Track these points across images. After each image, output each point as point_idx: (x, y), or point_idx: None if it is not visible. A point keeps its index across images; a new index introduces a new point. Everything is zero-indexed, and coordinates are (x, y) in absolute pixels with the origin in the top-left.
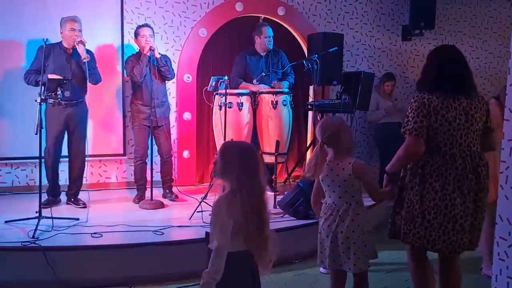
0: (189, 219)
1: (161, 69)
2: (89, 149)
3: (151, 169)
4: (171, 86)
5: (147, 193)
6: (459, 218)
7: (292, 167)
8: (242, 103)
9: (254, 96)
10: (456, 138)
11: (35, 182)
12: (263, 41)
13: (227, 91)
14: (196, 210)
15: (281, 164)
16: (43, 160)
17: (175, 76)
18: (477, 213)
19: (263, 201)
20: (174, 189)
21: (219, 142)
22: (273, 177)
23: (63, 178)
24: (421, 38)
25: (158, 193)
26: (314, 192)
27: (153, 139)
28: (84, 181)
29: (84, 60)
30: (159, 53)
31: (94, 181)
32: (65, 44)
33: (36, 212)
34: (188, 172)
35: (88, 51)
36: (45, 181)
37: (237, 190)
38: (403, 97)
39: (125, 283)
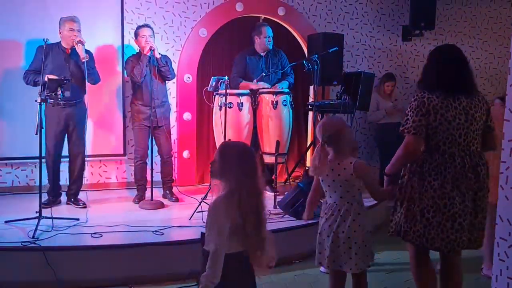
0: (189, 219)
1: (161, 69)
2: (90, 149)
3: (151, 170)
4: (171, 86)
5: (147, 193)
6: (458, 217)
7: (292, 167)
8: (242, 103)
9: (254, 96)
10: (455, 137)
11: (35, 182)
12: (263, 41)
13: (227, 91)
14: (196, 210)
15: (281, 165)
16: (43, 160)
17: (175, 76)
18: (476, 212)
19: (261, 201)
20: (175, 189)
21: (219, 142)
22: (273, 177)
23: (63, 178)
24: (421, 38)
25: (158, 193)
26: (312, 192)
27: (153, 139)
28: (84, 181)
29: (83, 60)
30: (159, 53)
31: (94, 181)
32: (64, 44)
33: (36, 212)
34: (188, 172)
35: (87, 51)
36: (45, 181)
37: (235, 191)
38: (403, 97)
39: (125, 283)
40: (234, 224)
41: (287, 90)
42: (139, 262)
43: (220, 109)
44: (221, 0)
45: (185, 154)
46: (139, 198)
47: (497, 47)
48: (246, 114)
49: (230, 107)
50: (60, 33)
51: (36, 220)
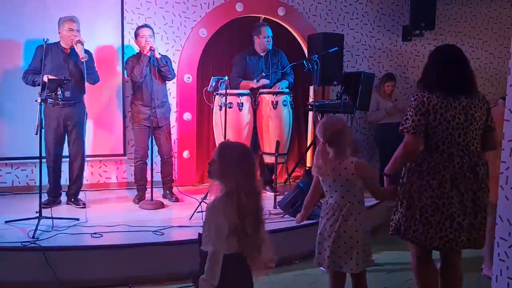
0: (189, 219)
1: (161, 69)
2: (90, 149)
3: (151, 170)
4: (171, 86)
5: (147, 193)
6: (456, 216)
7: (292, 167)
8: (242, 103)
9: (254, 96)
10: (454, 137)
11: (35, 182)
12: (262, 41)
13: (227, 91)
14: (196, 210)
15: (281, 165)
16: (43, 160)
17: (176, 76)
18: (476, 212)
19: (259, 202)
20: (175, 189)
21: (219, 142)
22: (273, 177)
23: (63, 178)
24: (421, 38)
25: (158, 193)
26: (310, 193)
27: (154, 139)
28: (84, 181)
29: (82, 60)
30: (159, 54)
31: (94, 181)
32: (63, 44)
33: (36, 212)
34: (188, 172)
35: (86, 51)
36: (45, 181)
37: (234, 191)
38: (403, 97)
39: (125, 283)
40: (232, 224)
41: (287, 90)
42: (139, 262)
43: (220, 109)
44: (221, 0)
45: (185, 154)
46: (139, 198)
47: (497, 47)
48: (246, 114)
49: (230, 107)
50: (59, 33)
51: (36, 220)
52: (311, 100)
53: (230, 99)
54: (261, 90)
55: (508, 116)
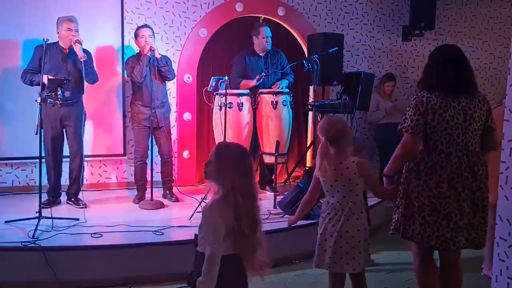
0: (189, 219)
1: (161, 69)
2: (90, 149)
3: (151, 170)
4: (171, 86)
5: (147, 193)
6: (454, 216)
7: (292, 167)
8: (242, 103)
9: (254, 96)
10: (453, 137)
11: (35, 182)
12: (261, 42)
13: (227, 91)
14: (196, 210)
15: (281, 165)
16: (43, 160)
17: (175, 76)
18: (474, 212)
19: (256, 203)
20: (175, 189)
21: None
22: (273, 177)
23: (63, 178)
24: (421, 38)
25: (158, 193)
26: (309, 194)
27: (154, 139)
28: (84, 181)
29: (81, 60)
30: (159, 54)
31: (94, 181)
32: (61, 44)
33: (36, 212)
34: (188, 172)
35: (85, 51)
36: (45, 181)
37: (231, 193)
38: (403, 97)
39: (125, 283)
40: (229, 225)
41: (287, 90)
42: (139, 262)
43: (220, 109)
44: (221, 0)
45: (185, 154)
46: (139, 198)
47: (497, 47)
48: (246, 114)
49: (230, 107)
50: (58, 33)
51: (36, 220)
52: (311, 100)
53: (230, 99)
54: (261, 90)
55: (508, 116)
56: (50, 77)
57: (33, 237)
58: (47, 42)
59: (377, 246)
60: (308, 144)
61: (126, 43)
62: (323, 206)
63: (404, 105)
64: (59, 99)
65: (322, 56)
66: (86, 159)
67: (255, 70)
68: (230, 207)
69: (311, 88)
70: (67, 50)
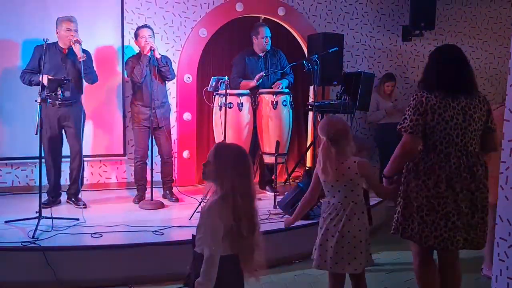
0: (189, 219)
1: (161, 69)
2: (89, 149)
3: (151, 170)
4: (171, 87)
5: (147, 194)
6: (451, 216)
7: (292, 167)
8: (242, 103)
9: (254, 96)
10: (452, 137)
11: (35, 182)
12: (261, 42)
13: (227, 91)
14: (196, 211)
15: (281, 165)
16: (43, 160)
17: (176, 76)
18: (473, 212)
19: (254, 204)
20: (175, 189)
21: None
22: (273, 177)
23: (63, 178)
24: (421, 38)
25: (158, 193)
26: (308, 194)
27: (154, 139)
28: (84, 181)
29: (80, 59)
30: (159, 54)
31: (94, 181)
32: (61, 44)
33: (36, 212)
34: (188, 172)
35: (84, 51)
36: (45, 181)
37: (230, 194)
38: (403, 97)
39: (125, 283)
40: (228, 226)
41: (287, 90)
42: (139, 262)
43: (220, 109)
44: (221, 0)
45: (185, 154)
46: (139, 198)
47: (497, 47)
48: (246, 114)
49: (230, 107)
50: (57, 33)
51: (36, 220)
52: (311, 100)
53: (230, 99)
54: (261, 90)
55: (508, 116)
56: (50, 77)
57: (33, 237)
58: (48, 42)
59: (377, 246)
60: (308, 144)
61: (126, 43)
62: (323, 206)
63: (404, 105)
64: (59, 99)
65: (322, 56)
66: (86, 159)
67: (255, 70)
68: (228, 208)
69: (311, 88)
70: (67, 50)
